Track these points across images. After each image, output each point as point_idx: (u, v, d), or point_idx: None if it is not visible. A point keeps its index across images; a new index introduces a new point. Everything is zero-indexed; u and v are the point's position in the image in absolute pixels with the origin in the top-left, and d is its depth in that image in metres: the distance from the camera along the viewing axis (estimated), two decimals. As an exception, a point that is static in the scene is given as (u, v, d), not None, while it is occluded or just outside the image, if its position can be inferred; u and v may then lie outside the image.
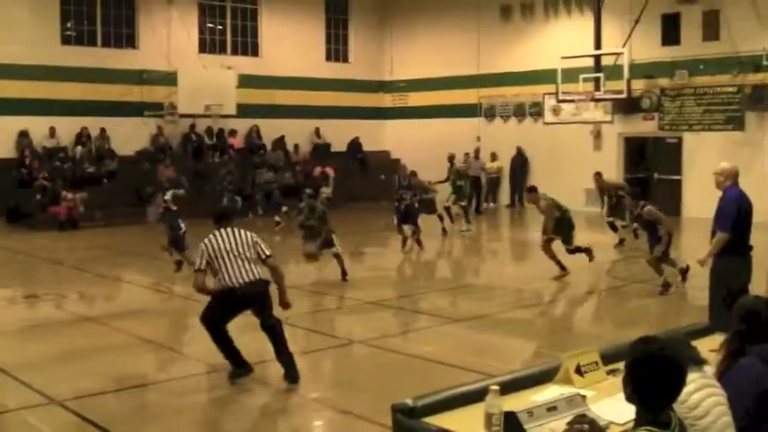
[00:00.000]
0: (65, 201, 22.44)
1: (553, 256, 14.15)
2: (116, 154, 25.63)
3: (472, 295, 13.58)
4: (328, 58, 31.20)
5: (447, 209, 20.82)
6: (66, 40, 25.66)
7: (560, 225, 14.19)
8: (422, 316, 11.81)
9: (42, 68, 24.43)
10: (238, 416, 7.51)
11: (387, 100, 32.25)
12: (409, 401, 4.23)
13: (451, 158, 22.32)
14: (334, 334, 10.74)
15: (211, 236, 8.14)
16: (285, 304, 8.57)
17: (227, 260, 7.99)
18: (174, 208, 15.03)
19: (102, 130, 25.67)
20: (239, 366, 8.10)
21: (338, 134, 29.99)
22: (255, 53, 29.23)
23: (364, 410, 7.25)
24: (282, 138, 28.88)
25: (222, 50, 28.51)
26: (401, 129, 31.28)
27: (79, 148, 25.41)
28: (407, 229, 17.94)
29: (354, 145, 30.54)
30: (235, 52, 28.73)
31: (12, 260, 17.66)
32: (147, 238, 18.50)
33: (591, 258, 14.57)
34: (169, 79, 25.11)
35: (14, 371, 8.83)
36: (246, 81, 26.55)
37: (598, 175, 18.74)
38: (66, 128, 25.22)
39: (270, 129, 28.65)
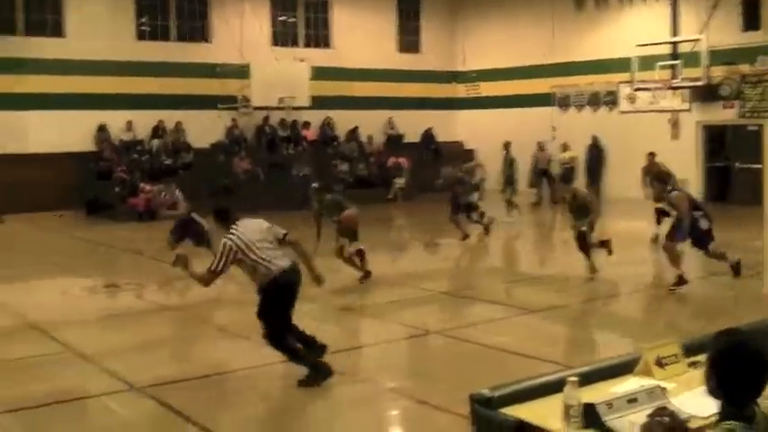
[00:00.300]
0: (143, 193, 22.81)
1: (598, 242, 13.54)
2: (192, 146, 25.99)
3: (547, 286, 13.46)
4: (400, 49, 31.16)
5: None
6: (141, 36, 26.09)
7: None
8: (496, 306, 11.75)
9: (119, 64, 24.90)
10: (315, 405, 7.56)
11: (459, 90, 32.10)
12: (487, 392, 4.21)
13: (506, 146, 22.09)
14: (409, 324, 10.75)
15: (234, 231, 7.61)
16: (318, 279, 8.33)
17: (263, 250, 7.59)
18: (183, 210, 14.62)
19: (178, 123, 26.06)
20: (319, 369, 7.79)
21: (411, 125, 29.98)
22: (327, 45, 29.33)
23: (441, 400, 7.24)
24: (356, 129, 28.98)
25: (294, 43, 28.68)
26: (474, 119, 31.10)
27: (156, 140, 25.84)
28: (463, 218, 17.39)
29: (428, 136, 30.50)
30: (307, 44, 28.88)
31: (93, 251, 18.02)
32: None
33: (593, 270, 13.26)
34: (242, 72, 25.34)
35: (96, 358, 9.05)
36: (319, 73, 26.65)
37: (651, 155, 17.99)
38: (143, 121, 25.66)
39: (343, 120, 28.77)
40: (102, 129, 25.06)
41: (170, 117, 25.96)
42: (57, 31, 24.66)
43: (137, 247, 18.16)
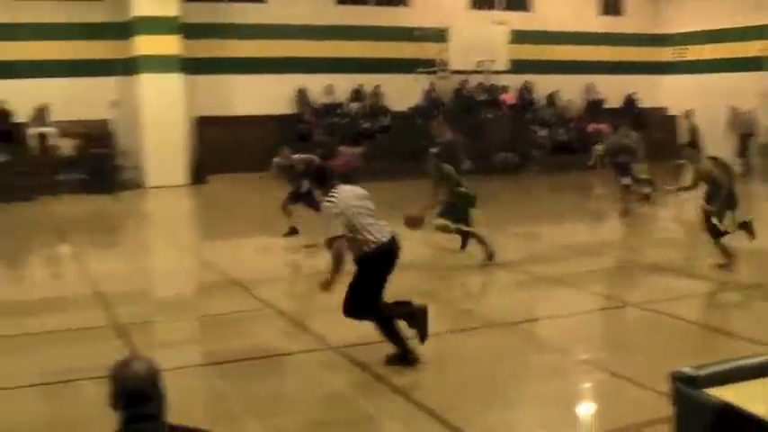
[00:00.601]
0: (342, 155, 23.15)
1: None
2: (389, 110, 26.22)
3: (752, 261, 12.76)
4: (602, 12, 30.31)
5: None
6: (341, 0, 26.45)
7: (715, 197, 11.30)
8: (697, 281, 11.23)
9: (319, 28, 25.40)
10: (506, 374, 7.47)
11: (664, 54, 30.90)
12: (690, 370, 4.02)
13: (688, 114, 20.99)
14: (606, 295, 10.49)
15: (333, 194, 7.30)
16: None
17: (362, 216, 7.27)
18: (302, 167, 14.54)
19: (377, 87, 26.34)
20: (405, 354, 7.44)
21: (612, 89, 29.20)
22: (526, 8, 28.86)
23: (637, 375, 7.00)
24: (555, 93, 28.50)
25: (493, 6, 28.37)
26: (679, 84, 29.81)
27: (354, 104, 26.22)
28: (625, 182, 16.46)
29: (630, 101, 29.63)
30: (505, 7, 28.51)
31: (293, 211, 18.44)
32: (423, 192, 18.73)
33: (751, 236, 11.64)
34: (440, 36, 25.29)
35: (294, 316, 9.30)
36: (518, 36, 26.32)
37: None
38: (342, 84, 26.10)
39: (542, 84, 28.34)
40: (302, 92, 25.66)
41: (369, 80, 26.27)
42: (259, -4, 25.38)
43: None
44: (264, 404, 6.79)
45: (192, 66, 23.46)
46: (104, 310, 9.76)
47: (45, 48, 22.78)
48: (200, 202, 22.21)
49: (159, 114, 22.78)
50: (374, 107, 26.23)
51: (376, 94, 26.43)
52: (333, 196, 7.26)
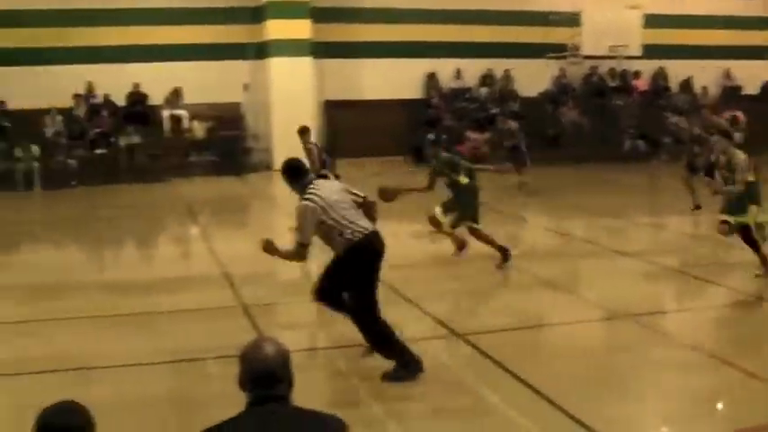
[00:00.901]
0: (468, 141, 23.04)
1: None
2: (519, 95, 25.96)
3: None
4: (742, -5, 29.27)
5: None
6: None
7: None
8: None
9: (449, 12, 25.26)
10: (631, 367, 7.30)
11: (807, 38, 29.66)
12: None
13: None
14: (736, 288, 10.14)
15: (312, 190, 6.84)
16: None
17: (345, 210, 6.87)
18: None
19: (506, 71, 26.10)
20: (408, 364, 6.93)
21: (751, 76, 28.18)
22: (662, -9, 28.10)
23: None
24: (690, 79, 27.70)
25: (628, -10, 27.73)
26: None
27: (484, 89, 26.08)
28: (694, 180, 15.12)
29: (768, 88, 28.60)
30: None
31: (411, 198, 18.42)
32: (552, 180, 18.49)
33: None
34: (573, 20, 24.88)
35: (419, 302, 9.24)
36: (652, 21, 25.66)
37: None
38: (471, 69, 25.94)
39: (676, 70, 27.57)
40: (431, 76, 25.63)
41: (498, 65, 26.07)
42: (389, -21, 25.41)
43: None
44: (388, 389, 6.78)
45: (321, 50, 23.68)
46: (231, 291, 9.97)
47: (179, 32, 23.33)
48: (328, 185, 22.37)
49: (289, 98, 23.08)
50: (503, 92, 26.02)
51: (506, 78, 26.21)
52: (312, 193, 6.85)
